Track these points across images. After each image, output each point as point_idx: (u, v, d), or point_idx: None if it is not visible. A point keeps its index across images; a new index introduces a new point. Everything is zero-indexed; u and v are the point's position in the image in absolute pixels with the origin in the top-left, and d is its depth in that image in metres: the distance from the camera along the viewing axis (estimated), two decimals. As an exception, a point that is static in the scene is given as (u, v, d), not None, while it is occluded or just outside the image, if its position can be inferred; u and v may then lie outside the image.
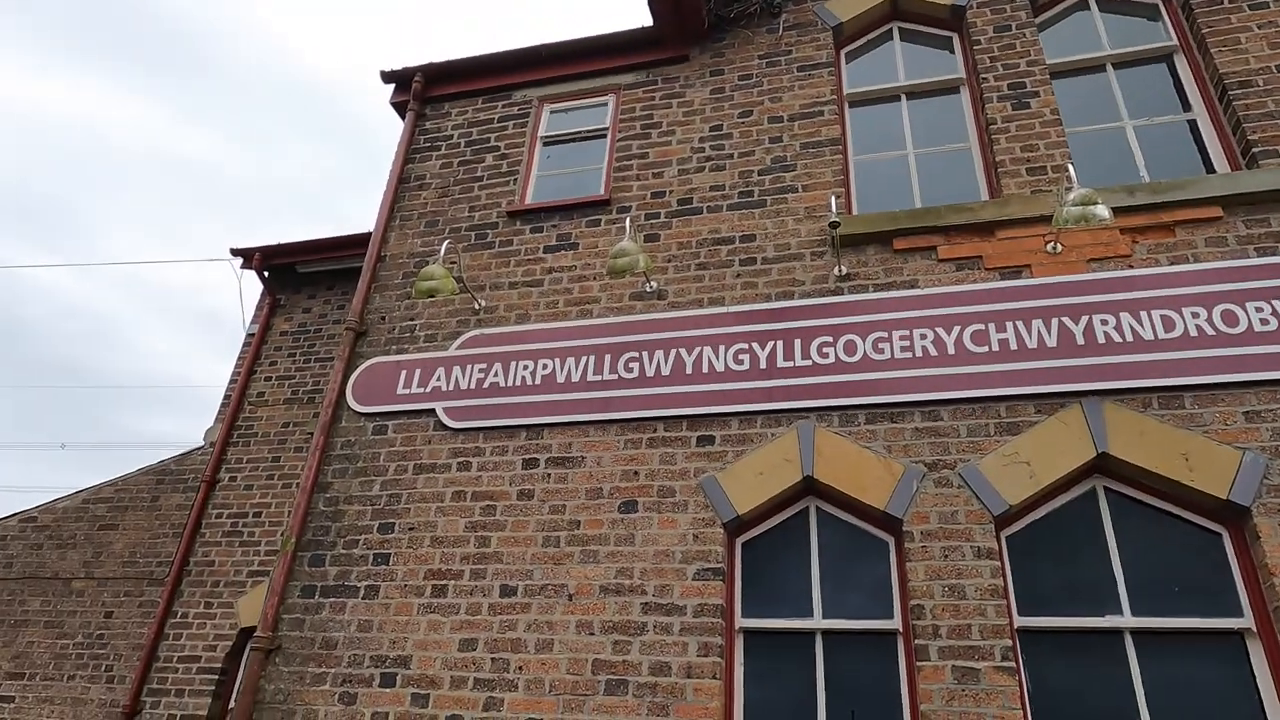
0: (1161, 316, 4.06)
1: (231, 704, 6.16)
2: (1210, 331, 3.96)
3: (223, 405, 7.73)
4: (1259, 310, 3.94)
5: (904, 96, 5.54)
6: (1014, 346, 4.20)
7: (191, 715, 6.18)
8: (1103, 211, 3.86)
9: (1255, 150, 4.41)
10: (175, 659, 6.43)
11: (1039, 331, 4.20)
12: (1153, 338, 4.03)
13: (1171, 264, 4.22)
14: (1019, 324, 4.25)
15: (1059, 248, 4.42)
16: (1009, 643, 3.60)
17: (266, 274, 8.00)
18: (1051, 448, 3.94)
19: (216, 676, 6.30)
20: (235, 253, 8.01)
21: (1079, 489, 3.97)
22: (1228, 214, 4.27)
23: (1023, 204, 4.58)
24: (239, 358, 7.94)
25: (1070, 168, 4.22)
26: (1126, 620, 3.64)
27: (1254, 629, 3.49)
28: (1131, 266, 4.28)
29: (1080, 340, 4.12)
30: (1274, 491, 3.60)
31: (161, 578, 6.92)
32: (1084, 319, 4.17)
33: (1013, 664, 3.55)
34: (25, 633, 6.99)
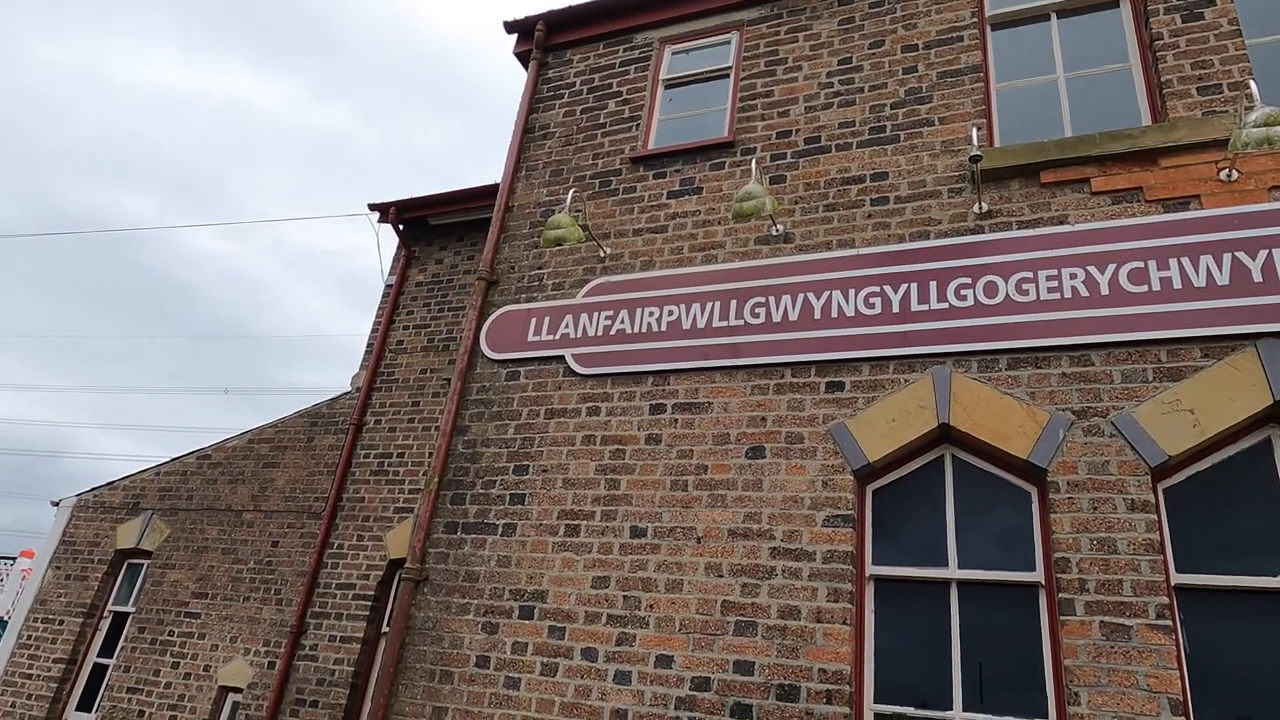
0: (1358, 249, 3.63)
1: (385, 628, 6.67)
2: None
3: (366, 353, 8.21)
4: None
5: (1054, 15, 5.09)
6: (1178, 285, 3.86)
7: (349, 636, 6.75)
8: (1291, 132, 3.45)
9: None
10: (333, 585, 7.01)
11: (1208, 268, 3.84)
12: (1346, 273, 3.61)
13: (1373, 189, 3.75)
14: (1184, 260, 3.90)
15: (1235, 175, 4.00)
16: (1165, 600, 3.40)
17: (401, 227, 8.36)
18: (1220, 395, 3.63)
19: (370, 603, 6.84)
20: (372, 208, 8.41)
21: (1251, 439, 3.66)
22: None
23: (1192, 128, 4.16)
24: (379, 309, 8.39)
25: (1252, 84, 3.79)
26: (1302, 581, 3.36)
27: None
28: (1323, 193, 3.83)
29: (1258, 277, 3.74)
30: None
31: (319, 512, 7.51)
32: (1262, 254, 3.78)
33: (1169, 622, 3.36)
34: (206, 558, 7.78)
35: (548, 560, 4.57)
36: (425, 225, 8.41)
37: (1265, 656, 3.33)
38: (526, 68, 6.51)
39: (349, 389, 8.15)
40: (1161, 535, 3.58)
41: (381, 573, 6.93)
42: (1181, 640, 3.42)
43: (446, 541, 4.90)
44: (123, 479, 8.80)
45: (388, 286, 8.41)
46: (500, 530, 4.78)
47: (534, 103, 6.32)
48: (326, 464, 7.81)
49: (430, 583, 4.79)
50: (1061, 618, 3.52)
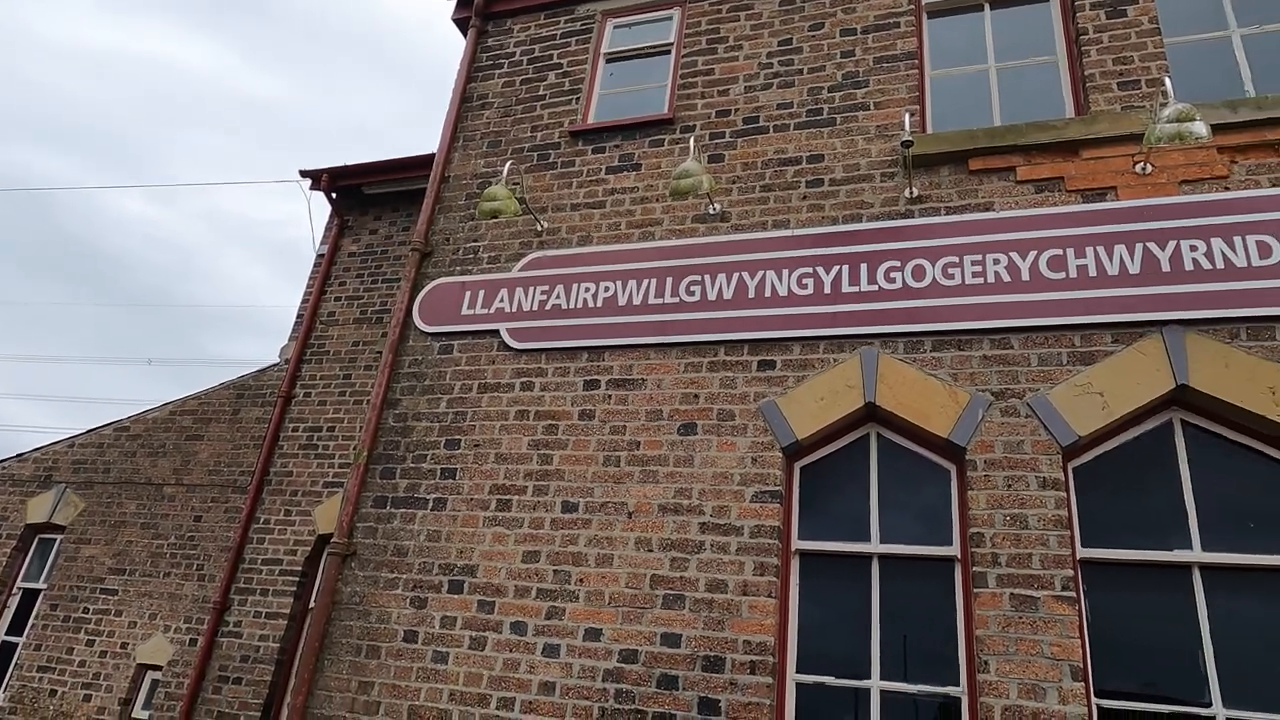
0: (1257, 242, 3.83)
1: (311, 603, 6.56)
2: (1311, 259, 3.73)
3: (296, 324, 8.00)
4: (1368, 236, 3.68)
5: (987, 5, 5.20)
6: (1093, 273, 4.02)
7: (275, 612, 6.62)
8: (1200, 129, 3.61)
9: (1379, 60, 4.05)
10: (259, 561, 6.85)
11: (1121, 257, 4.01)
12: (1245, 264, 3.81)
13: (1273, 186, 3.95)
14: (1100, 249, 4.06)
15: (1149, 168, 4.17)
16: (1070, 573, 3.57)
17: (334, 195, 8.13)
18: (1128, 378, 3.81)
19: (297, 578, 6.71)
20: (304, 174, 8.15)
21: (1154, 421, 3.85)
22: (1341, 131, 3.95)
23: (1112, 121, 4.31)
24: (310, 279, 8.16)
25: (1167, 81, 3.95)
26: (1196, 555, 3.56)
27: (1333, 568, 3.38)
28: (1228, 189, 4.02)
29: (1166, 267, 3.92)
30: (1367, 428, 3.42)
31: (244, 486, 7.32)
32: (1171, 244, 3.96)
33: (1073, 594, 3.53)
34: (124, 533, 7.52)
35: (478, 535, 4.55)
36: (360, 194, 8.19)
37: (1158, 625, 3.54)
38: (465, 35, 6.37)
39: (277, 361, 7.94)
40: (1070, 511, 3.75)
41: (309, 548, 6.80)
42: (1084, 610, 3.60)
43: (375, 516, 4.83)
44: (33, 451, 8.43)
45: (319, 256, 8.19)
46: (431, 505, 4.74)
47: (473, 71, 6.20)
48: (253, 437, 7.60)
49: (358, 557, 4.73)
50: (975, 590, 3.67)
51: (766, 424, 4.29)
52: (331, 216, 8.29)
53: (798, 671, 3.90)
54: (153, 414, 8.12)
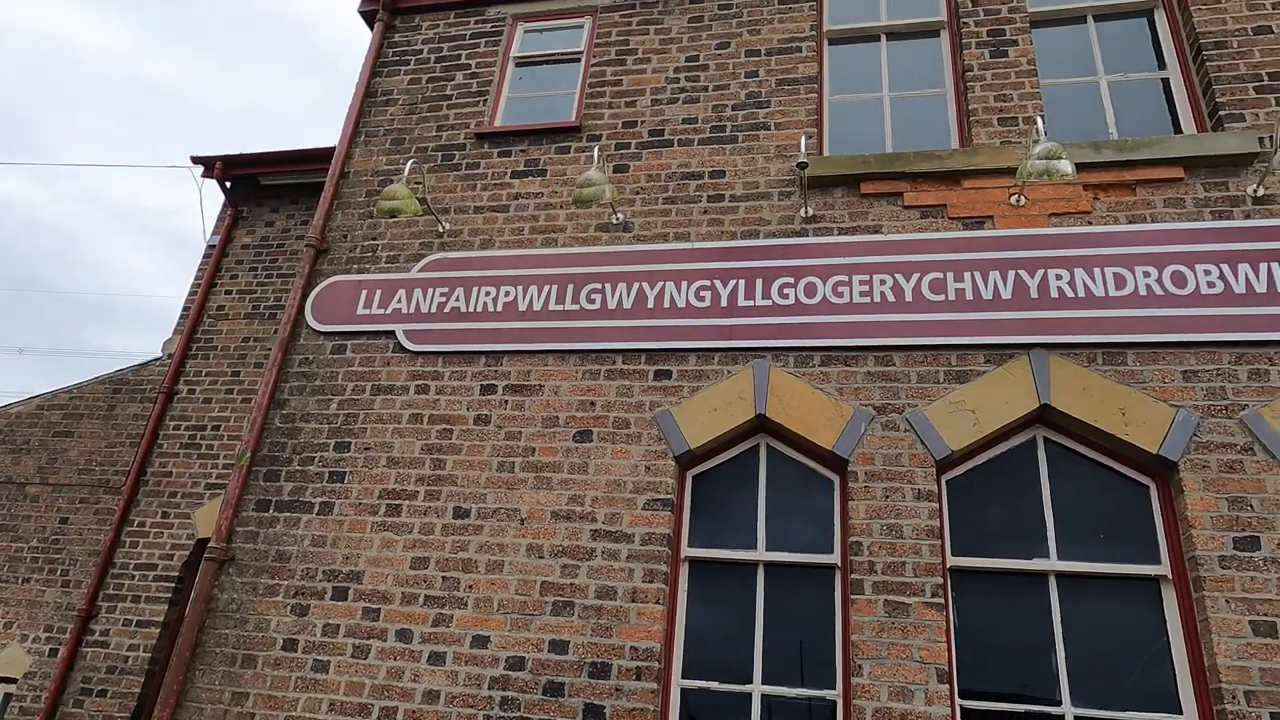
0: (1114, 274, 4.14)
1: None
2: (1159, 291, 4.05)
3: (181, 317, 7.62)
4: (1207, 273, 4.03)
5: (884, 37, 5.45)
6: (970, 297, 4.26)
7: (147, 621, 6.28)
8: (1066, 166, 3.88)
9: (1222, 113, 4.44)
10: (132, 566, 6.49)
11: (995, 283, 4.26)
12: (1104, 294, 4.11)
13: (1129, 223, 4.28)
14: (976, 275, 4.30)
15: (1022, 200, 4.45)
16: (940, 580, 3.77)
17: (228, 184, 7.80)
18: (997, 397, 4.05)
19: (173, 585, 6.38)
20: (196, 160, 7.78)
21: (1020, 438, 4.10)
22: (1189, 176, 4.31)
23: (991, 154, 4.58)
24: (199, 270, 7.79)
25: (1039, 120, 4.22)
26: (1052, 564, 3.81)
27: (1169, 576, 3.68)
28: (1090, 223, 4.34)
29: (1034, 294, 4.19)
30: (1201, 448, 3.75)
31: (118, 486, 6.92)
32: (1040, 273, 4.23)
33: (942, 600, 3.72)
34: (-21, 535, 6.98)
35: (366, 540, 4.44)
36: (256, 184, 7.88)
37: (1018, 629, 3.77)
38: (371, 28, 6.23)
39: (160, 355, 7.54)
40: (942, 522, 3.95)
41: (188, 553, 6.48)
42: (951, 616, 3.80)
43: (257, 520, 4.65)
44: (-123, 445, 7.72)
45: (210, 247, 7.83)
46: (317, 509, 4.60)
47: (378, 66, 6.07)
48: (130, 435, 7.20)
49: (236, 563, 4.54)
50: (852, 596, 3.82)
51: (661, 433, 4.36)
52: (225, 206, 7.95)
53: (683, 677, 3.97)
54: (16, 408, 7.58)
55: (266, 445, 4.85)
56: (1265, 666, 3.33)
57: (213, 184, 7.81)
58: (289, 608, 4.36)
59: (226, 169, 7.66)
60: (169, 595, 6.35)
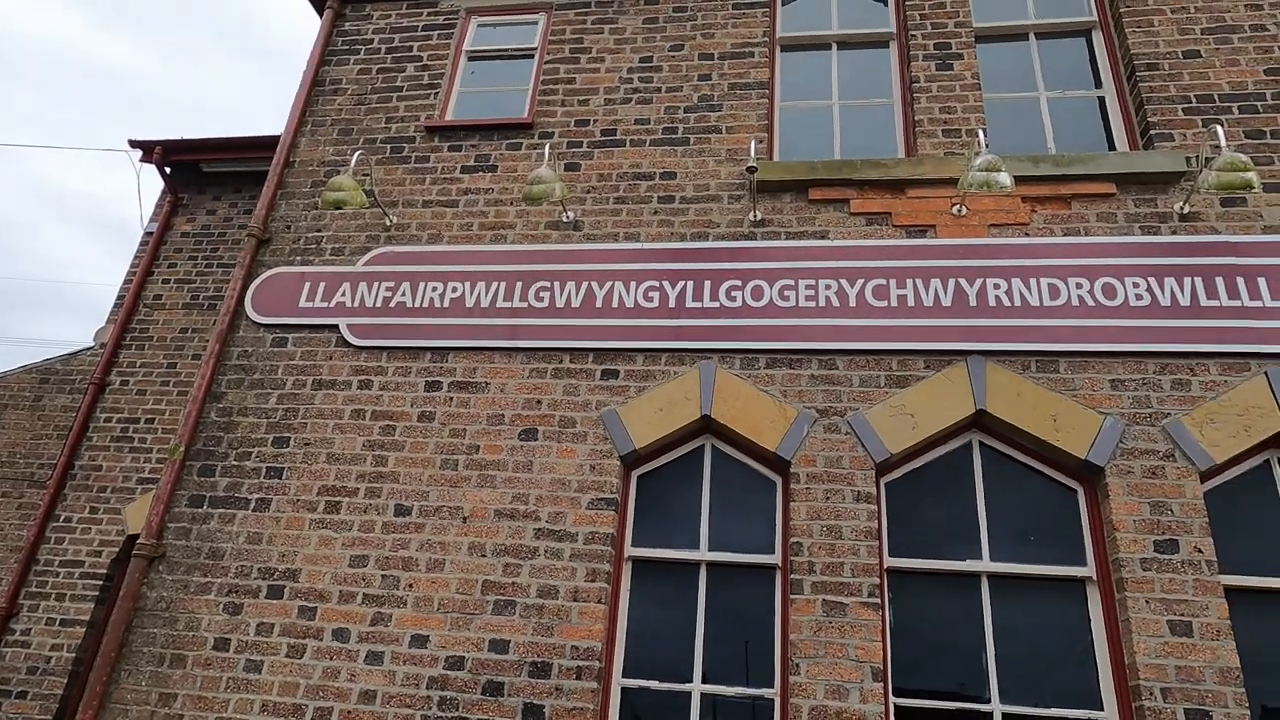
0: (1049, 284, 4.27)
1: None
2: (1090, 302, 4.20)
3: (116, 306, 7.37)
4: (1135, 286, 4.18)
5: (835, 45, 5.53)
6: (911, 303, 4.35)
7: (73, 619, 6.06)
8: (1005, 179, 3.99)
9: (1153, 132, 4.62)
10: (58, 563, 6.25)
11: (936, 290, 4.36)
12: (1039, 304, 4.24)
13: (1064, 235, 4.42)
14: (919, 282, 4.40)
15: (964, 210, 4.56)
16: (877, 581, 3.84)
17: (168, 170, 7.56)
18: (936, 402, 4.15)
19: (101, 583, 6.17)
20: (135, 144, 7.53)
21: (956, 442, 4.20)
22: (1120, 191, 4.47)
23: (935, 165, 4.69)
24: (135, 257, 7.55)
25: (981, 133, 4.33)
26: (985, 565, 3.92)
27: (1094, 577, 3.81)
28: (1028, 235, 4.47)
29: (973, 302, 4.30)
30: (1126, 455, 3.89)
31: (43, 481, 6.66)
32: (979, 281, 4.35)
33: (878, 600, 3.80)
34: (-109, 529, 6.65)
35: (303, 538, 4.35)
36: (198, 172, 7.66)
37: (951, 628, 3.86)
38: (321, 15, 6.11)
39: (91, 344, 7.28)
40: (880, 523, 4.03)
41: (118, 549, 6.27)
42: (887, 616, 3.88)
43: (190, 516, 4.52)
44: None
45: (147, 234, 7.59)
46: (253, 505, 4.49)
47: (327, 54, 5.95)
48: (58, 427, 6.94)
49: (167, 560, 4.41)
50: (791, 596, 3.87)
51: (607, 432, 4.36)
52: (164, 193, 7.71)
53: (624, 676, 3.97)
54: (-64, 397, 7.24)
55: (202, 439, 4.72)
56: (1181, 664, 3.48)
57: (153, 170, 7.57)
58: (221, 606, 4.25)
59: (166, 154, 7.43)
60: (96, 594, 6.14)
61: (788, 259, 4.58)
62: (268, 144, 6.96)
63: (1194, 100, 4.68)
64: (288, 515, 4.42)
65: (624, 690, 3.95)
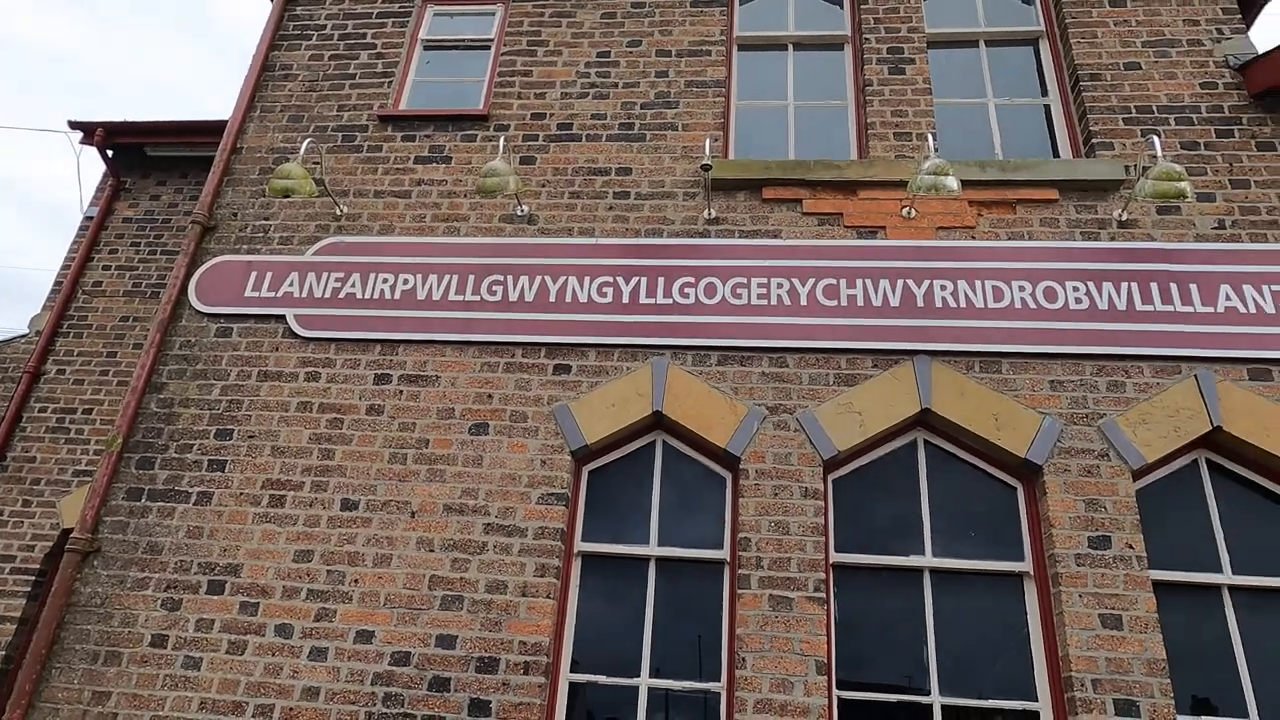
0: (993, 287, 4.37)
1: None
2: (1032, 305, 4.31)
3: (53, 293, 7.12)
4: (1075, 290, 4.31)
5: (791, 47, 5.59)
6: (861, 303, 4.42)
7: (3, 616, 5.85)
8: (952, 183, 4.08)
9: (1095, 141, 4.75)
10: (-14, 558, 6.03)
11: (885, 291, 4.44)
12: (983, 306, 4.34)
13: (1009, 239, 4.53)
14: (868, 282, 4.47)
15: (913, 213, 4.65)
16: (822, 576, 3.90)
17: (111, 153, 7.32)
18: (882, 400, 4.22)
19: (34, 578, 5.97)
20: (75, 125, 7.27)
21: (902, 440, 4.29)
22: (1063, 197, 4.60)
23: (886, 167, 4.77)
24: (74, 242, 7.30)
25: (930, 137, 4.42)
26: (927, 560, 4.00)
27: (1031, 572, 3.92)
28: (974, 238, 4.57)
29: (920, 302, 4.39)
30: (1064, 453, 4.01)
31: (-27, 472, 6.41)
32: (926, 283, 4.43)
33: (823, 595, 3.86)
34: None
35: (246, 532, 4.26)
36: (142, 155, 7.43)
37: (893, 623, 3.94)
38: (272, -1, 5.97)
39: (26, 331, 7.03)
40: (826, 519, 4.09)
41: (51, 544, 6.06)
42: (832, 610, 3.94)
43: (128, 509, 4.40)
44: None
45: (87, 219, 7.34)
46: (194, 499, 4.39)
47: (277, 39, 5.82)
48: (-11, 416, 6.67)
49: (102, 554, 4.28)
50: (739, 591, 3.91)
51: (558, 427, 4.35)
52: (105, 176, 7.46)
53: (571, 671, 3.97)
54: None
55: (141, 431, 4.60)
56: (1111, 656, 3.60)
57: (94, 152, 7.33)
58: (159, 602, 4.15)
59: (109, 136, 7.19)
60: (28, 589, 5.94)
61: (741, 257, 4.62)
62: (215, 129, 6.78)
63: (1134, 111, 4.83)
64: (230, 509, 4.33)
65: (572, 685, 3.95)
